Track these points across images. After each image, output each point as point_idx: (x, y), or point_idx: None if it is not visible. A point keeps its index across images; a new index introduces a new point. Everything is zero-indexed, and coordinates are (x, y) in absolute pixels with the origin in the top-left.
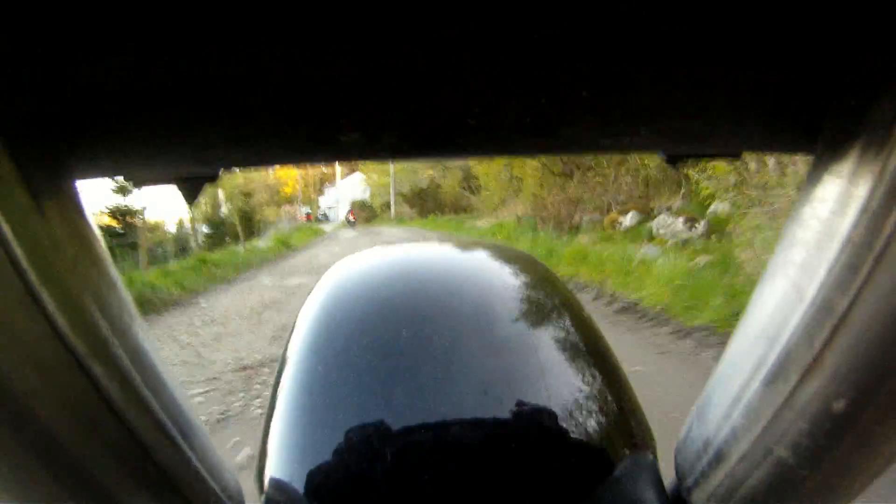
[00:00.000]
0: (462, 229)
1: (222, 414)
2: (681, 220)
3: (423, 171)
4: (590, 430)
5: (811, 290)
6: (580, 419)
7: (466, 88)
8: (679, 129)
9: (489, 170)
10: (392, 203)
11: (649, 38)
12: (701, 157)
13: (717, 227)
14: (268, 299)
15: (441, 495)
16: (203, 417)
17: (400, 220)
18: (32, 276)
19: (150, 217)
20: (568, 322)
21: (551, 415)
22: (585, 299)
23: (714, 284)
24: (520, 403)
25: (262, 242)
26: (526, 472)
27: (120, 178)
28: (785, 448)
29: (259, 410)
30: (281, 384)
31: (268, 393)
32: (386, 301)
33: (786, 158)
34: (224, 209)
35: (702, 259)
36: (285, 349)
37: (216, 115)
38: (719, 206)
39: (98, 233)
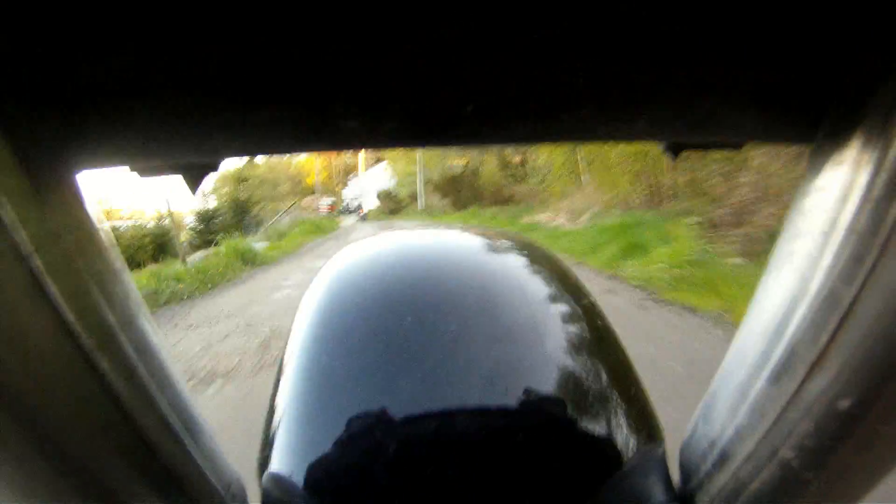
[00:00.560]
0: (535, 231)
1: None
2: None
3: (454, 158)
4: (598, 421)
5: (816, 281)
6: (588, 410)
7: (466, 76)
8: (678, 119)
9: (552, 150)
10: (420, 193)
11: (648, 28)
12: (702, 147)
13: None
14: None
15: (445, 488)
16: None
17: (430, 212)
18: (37, 266)
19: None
20: (576, 310)
21: (559, 405)
22: None
23: None
24: (527, 393)
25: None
26: (533, 465)
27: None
28: (790, 449)
29: None
30: (283, 374)
31: None
32: (390, 288)
33: None
34: (216, 199)
35: None
36: (288, 338)
37: (216, 104)
38: None
39: (102, 224)
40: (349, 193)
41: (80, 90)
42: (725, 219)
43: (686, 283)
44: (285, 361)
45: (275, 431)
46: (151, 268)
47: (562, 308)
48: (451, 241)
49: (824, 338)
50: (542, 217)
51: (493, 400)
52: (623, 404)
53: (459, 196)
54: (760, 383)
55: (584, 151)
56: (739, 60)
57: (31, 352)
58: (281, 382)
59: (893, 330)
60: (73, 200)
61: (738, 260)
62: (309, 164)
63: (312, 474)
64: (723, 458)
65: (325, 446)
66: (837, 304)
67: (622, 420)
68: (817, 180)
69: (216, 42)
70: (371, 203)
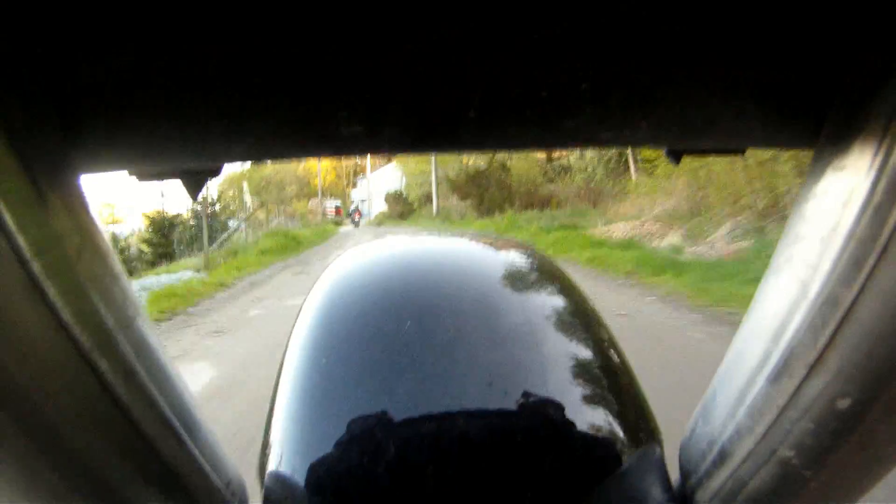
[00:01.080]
0: (683, 272)
1: None
2: None
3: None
4: (596, 423)
5: (816, 285)
6: (586, 412)
7: (467, 80)
8: (680, 123)
9: None
10: (434, 195)
11: (650, 32)
12: (703, 152)
13: None
14: None
15: (444, 489)
16: None
17: (446, 217)
18: (37, 269)
19: None
20: (573, 314)
21: (557, 407)
22: None
23: None
24: (525, 395)
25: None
26: (531, 466)
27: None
28: (789, 448)
29: None
30: (284, 375)
31: None
32: (389, 292)
33: None
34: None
35: None
36: (289, 340)
37: (217, 108)
38: None
39: (102, 227)
40: (358, 195)
41: (80, 91)
42: None
43: None
44: (286, 363)
45: (276, 432)
46: None
47: (559, 311)
48: (449, 246)
49: (824, 339)
50: (622, 228)
51: (492, 402)
52: (620, 406)
53: (484, 197)
54: (760, 383)
55: None
56: (741, 63)
57: (31, 353)
58: (282, 383)
59: (892, 332)
60: (76, 204)
61: None
62: (316, 165)
63: (314, 474)
64: (722, 457)
65: (327, 447)
66: (837, 307)
67: (619, 421)
68: (819, 184)
69: (216, 45)
70: (379, 206)
